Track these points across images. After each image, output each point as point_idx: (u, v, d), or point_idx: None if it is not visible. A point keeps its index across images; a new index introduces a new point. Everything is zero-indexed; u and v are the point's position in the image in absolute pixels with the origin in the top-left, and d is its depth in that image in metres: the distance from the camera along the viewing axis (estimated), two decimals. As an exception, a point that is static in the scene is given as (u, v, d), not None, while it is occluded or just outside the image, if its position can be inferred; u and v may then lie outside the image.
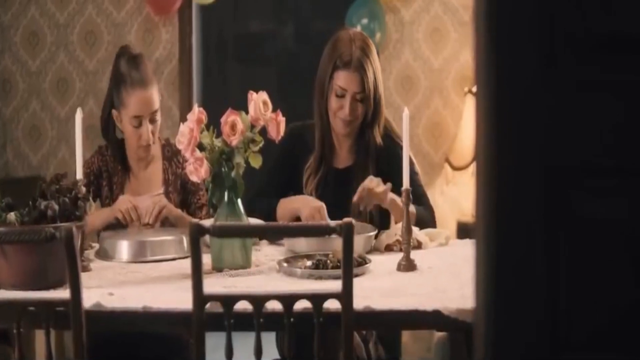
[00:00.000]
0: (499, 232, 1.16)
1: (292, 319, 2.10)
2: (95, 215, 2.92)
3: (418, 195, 3.00)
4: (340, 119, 3.06)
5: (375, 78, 3.03)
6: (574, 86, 1.13)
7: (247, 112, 2.63)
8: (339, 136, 3.14)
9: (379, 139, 3.09)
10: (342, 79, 3.03)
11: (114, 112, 3.12)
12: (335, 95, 3.05)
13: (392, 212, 2.97)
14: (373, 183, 2.88)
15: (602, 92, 1.13)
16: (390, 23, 4.60)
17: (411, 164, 3.02)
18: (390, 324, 2.40)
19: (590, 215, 1.14)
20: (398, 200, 2.84)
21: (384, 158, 3.08)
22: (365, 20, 4.52)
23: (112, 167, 3.17)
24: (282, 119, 2.68)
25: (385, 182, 2.92)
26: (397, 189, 2.85)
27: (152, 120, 3.09)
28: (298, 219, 2.94)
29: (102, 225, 3.03)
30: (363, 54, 3.02)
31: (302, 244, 2.79)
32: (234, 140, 2.58)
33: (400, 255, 2.65)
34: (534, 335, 1.15)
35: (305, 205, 2.93)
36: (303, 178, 3.12)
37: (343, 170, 3.14)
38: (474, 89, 4.34)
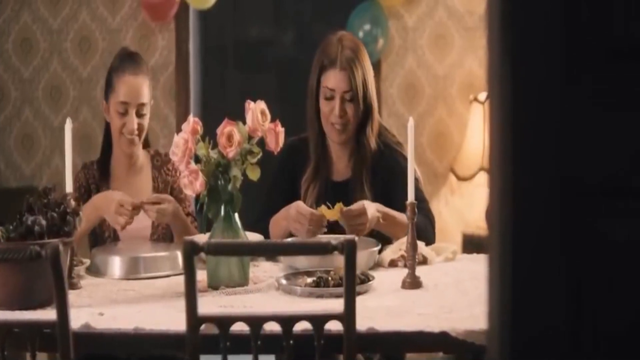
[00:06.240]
0: (515, 252, 1.10)
1: (291, 341, 2.03)
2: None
3: (417, 201, 2.89)
4: (332, 124, 2.96)
5: (364, 78, 2.94)
6: (594, 99, 1.07)
7: (245, 122, 2.53)
8: (335, 146, 3.04)
9: (373, 144, 2.98)
10: (330, 79, 2.95)
11: (104, 104, 3.09)
12: (325, 99, 2.96)
13: (382, 231, 2.86)
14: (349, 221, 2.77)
15: (624, 105, 1.07)
16: (393, 29, 4.52)
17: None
18: (394, 346, 2.32)
19: (610, 235, 1.09)
20: (390, 214, 2.81)
21: (383, 168, 2.97)
22: (367, 26, 4.43)
23: (98, 179, 3.11)
24: (281, 130, 2.57)
25: (385, 194, 2.87)
26: (396, 199, 2.79)
27: (139, 114, 3.03)
28: (292, 234, 2.85)
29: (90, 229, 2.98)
30: (351, 52, 2.95)
31: (302, 260, 2.70)
32: (231, 152, 2.48)
33: (405, 271, 2.55)
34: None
35: (289, 221, 2.82)
36: (302, 192, 3.01)
37: (341, 183, 3.03)
38: (480, 97, 4.22)
